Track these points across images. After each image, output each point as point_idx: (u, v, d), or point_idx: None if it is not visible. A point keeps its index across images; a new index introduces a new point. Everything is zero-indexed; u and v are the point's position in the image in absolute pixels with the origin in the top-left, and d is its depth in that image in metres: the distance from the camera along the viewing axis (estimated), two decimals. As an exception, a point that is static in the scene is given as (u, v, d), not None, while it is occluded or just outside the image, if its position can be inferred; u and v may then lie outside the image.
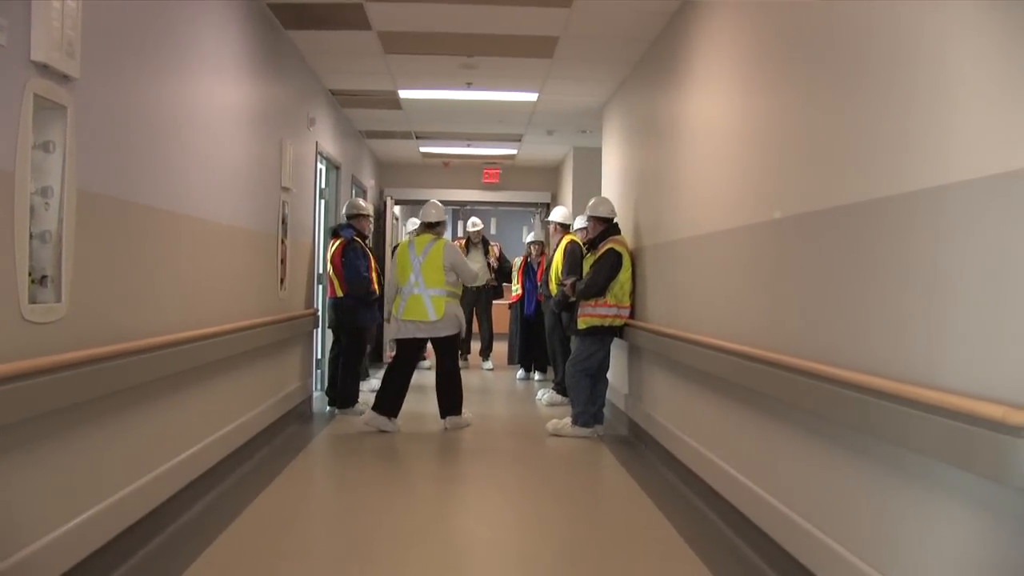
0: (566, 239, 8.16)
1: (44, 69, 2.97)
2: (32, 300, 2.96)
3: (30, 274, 2.95)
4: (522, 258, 10.70)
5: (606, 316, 6.83)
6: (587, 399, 6.89)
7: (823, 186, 3.45)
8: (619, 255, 6.79)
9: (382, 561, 4.04)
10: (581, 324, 6.91)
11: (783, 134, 3.95)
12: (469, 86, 8.43)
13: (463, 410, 7.25)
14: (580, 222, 8.37)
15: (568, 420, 6.94)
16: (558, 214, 8.75)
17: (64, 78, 3.11)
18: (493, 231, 17.74)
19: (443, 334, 7.15)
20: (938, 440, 2.47)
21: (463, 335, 11.43)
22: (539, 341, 10.16)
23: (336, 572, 3.92)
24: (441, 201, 15.43)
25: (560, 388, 8.54)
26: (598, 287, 6.79)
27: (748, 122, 4.44)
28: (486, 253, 11.33)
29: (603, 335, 6.91)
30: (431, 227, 7.39)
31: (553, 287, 8.05)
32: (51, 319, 3.08)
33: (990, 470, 2.26)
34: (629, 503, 5.12)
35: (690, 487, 5.16)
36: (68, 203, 3.16)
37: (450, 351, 7.30)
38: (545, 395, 8.65)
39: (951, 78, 2.57)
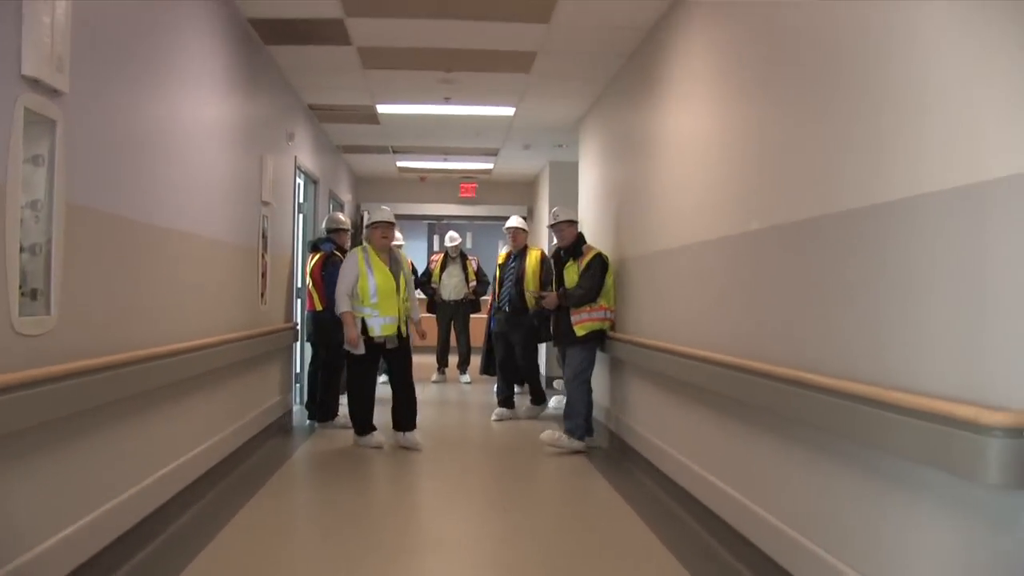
0: (536, 252, 8.56)
1: (35, 84, 3.00)
2: (23, 312, 2.98)
3: (20, 287, 2.97)
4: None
5: (603, 320, 6.89)
6: (588, 412, 6.94)
7: (799, 197, 3.53)
8: (605, 259, 6.91)
9: (366, 574, 4.05)
10: (579, 331, 6.91)
11: (758, 146, 4.03)
12: (447, 100, 8.50)
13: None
14: (515, 222, 8.76)
15: (558, 433, 6.90)
16: (517, 220, 8.86)
17: (54, 92, 3.14)
18: (469, 245, 17.76)
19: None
20: (916, 442, 2.54)
21: (435, 348, 11.38)
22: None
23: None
24: (418, 215, 15.38)
25: (537, 399, 8.67)
26: (596, 291, 6.85)
27: (724, 135, 4.53)
28: (464, 268, 11.39)
29: (596, 340, 6.96)
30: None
31: (530, 299, 8.11)
32: (41, 331, 3.10)
33: (966, 470, 2.33)
34: (610, 511, 5.17)
35: (671, 495, 5.22)
36: (57, 216, 3.18)
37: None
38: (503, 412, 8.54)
39: (921, 91, 2.66)
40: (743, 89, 4.30)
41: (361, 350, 6.77)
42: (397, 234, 12.31)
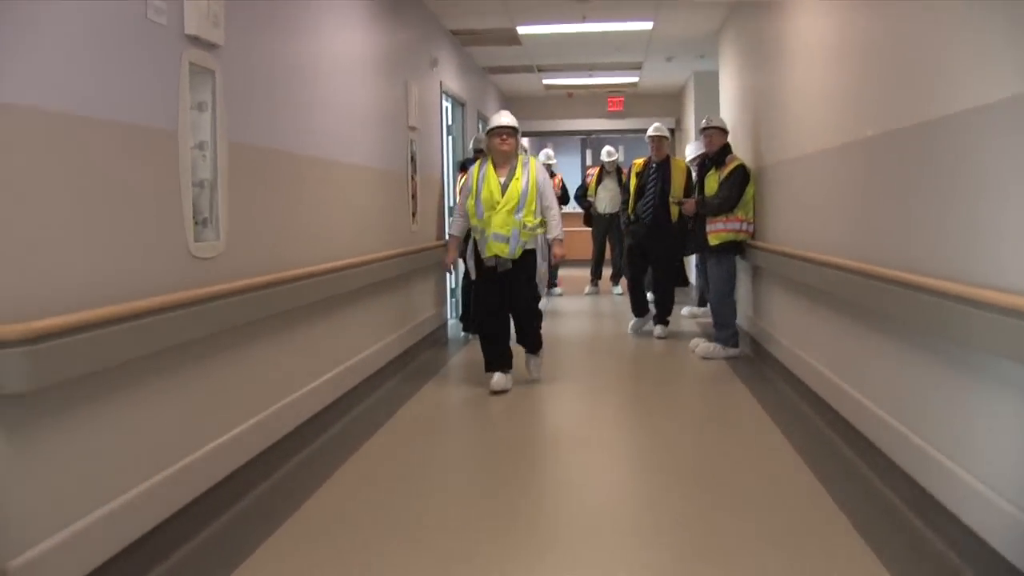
0: (681, 162, 8.52)
1: (195, 40, 3.43)
2: (197, 239, 3.47)
3: (194, 217, 3.45)
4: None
5: (738, 231, 6.97)
6: (734, 320, 7.16)
7: (909, 103, 3.58)
8: (748, 170, 6.95)
9: (520, 462, 4.46)
10: (713, 239, 7.05)
11: (872, 52, 4.06)
12: (584, 19, 8.61)
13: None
14: (658, 130, 8.34)
15: (714, 345, 7.12)
16: (659, 128, 8.45)
17: (211, 46, 3.56)
18: (621, 158, 17.84)
19: None
20: (1001, 337, 2.66)
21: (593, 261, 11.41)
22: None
23: (472, 477, 4.37)
24: (568, 131, 15.35)
25: (662, 319, 8.34)
26: (733, 202, 6.92)
27: (845, 41, 4.54)
28: (619, 181, 11.52)
29: (732, 251, 7.06)
30: None
31: (673, 209, 8.16)
32: (212, 255, 3.59)
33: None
34: (746, 415, 5.39)
35: (805, 400, 5.39)
36: (220, 154, 3.64)
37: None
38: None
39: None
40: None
41: (472, 274, 6.24)
42: (548, 151, 12.43)
